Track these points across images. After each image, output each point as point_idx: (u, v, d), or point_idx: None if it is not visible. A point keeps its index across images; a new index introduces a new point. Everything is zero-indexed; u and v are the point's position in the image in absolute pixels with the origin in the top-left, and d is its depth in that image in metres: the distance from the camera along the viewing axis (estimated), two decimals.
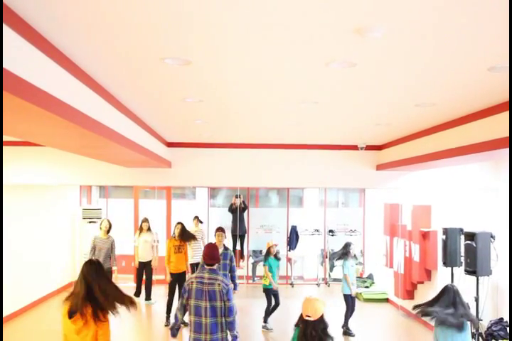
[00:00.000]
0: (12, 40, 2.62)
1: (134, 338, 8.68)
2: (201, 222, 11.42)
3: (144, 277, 10.50)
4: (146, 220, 10.67)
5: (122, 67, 3.70)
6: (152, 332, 8.94)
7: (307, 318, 4.02)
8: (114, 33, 2.91)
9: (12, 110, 3.12)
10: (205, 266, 5.01)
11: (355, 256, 8.71)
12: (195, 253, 10.37)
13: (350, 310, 8.55)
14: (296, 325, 4.15)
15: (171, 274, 8.86)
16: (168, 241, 9.17)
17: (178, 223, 9.22)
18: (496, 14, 2.51)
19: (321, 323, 4.00)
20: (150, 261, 10.53)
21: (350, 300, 8.53)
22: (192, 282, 4.93)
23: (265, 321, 8.81)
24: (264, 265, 8.88)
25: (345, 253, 8.70)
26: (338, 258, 8.93)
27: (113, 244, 9.49)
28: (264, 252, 9.19)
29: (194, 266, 10.21)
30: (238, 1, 2.42)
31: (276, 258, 9.00)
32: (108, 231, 9.56)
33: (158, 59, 3.39)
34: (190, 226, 10.92)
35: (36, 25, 2.77)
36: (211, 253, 5.06)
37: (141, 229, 10.60)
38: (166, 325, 8.71)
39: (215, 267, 5.01)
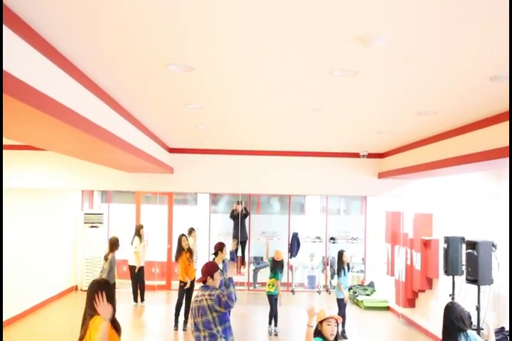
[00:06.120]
0: (15, 43, 2.65)
1: None
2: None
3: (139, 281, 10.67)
4: (143, 227, 10.96)
5: (126, 74, 3.73)
6: (161, 336, 8.94)
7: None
8: (118, 40, 2.94)
9: (14, 114, 3.14)
10: (202, 284, 5.02)
11: (347, 264, 8.71)
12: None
13: (340, 314, 8.57)
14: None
15: (182, 282, 8.86)
16: (182, 255, 9.06)
17: (182, 235, 9.18)
18: (498, 24, 2.53)
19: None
20: (142, 267, 10.73)
21: (342, 305, 8.58)
22: (193, 301, 4.98)
23: (272, 324, 8.77)
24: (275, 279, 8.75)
25: (338, 262, 8.80)
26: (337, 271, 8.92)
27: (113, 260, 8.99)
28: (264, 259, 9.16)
29: None
30: (241, 8, 2.44)
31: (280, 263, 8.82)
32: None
33: (161, 65, 3.41)
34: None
35: (41, 30, 2.79)
36: (203, 269, 5.06)
37: (140, 236, 10.71)
38: (175, 329, 8.82)
39: (207, 283, 4.97)
